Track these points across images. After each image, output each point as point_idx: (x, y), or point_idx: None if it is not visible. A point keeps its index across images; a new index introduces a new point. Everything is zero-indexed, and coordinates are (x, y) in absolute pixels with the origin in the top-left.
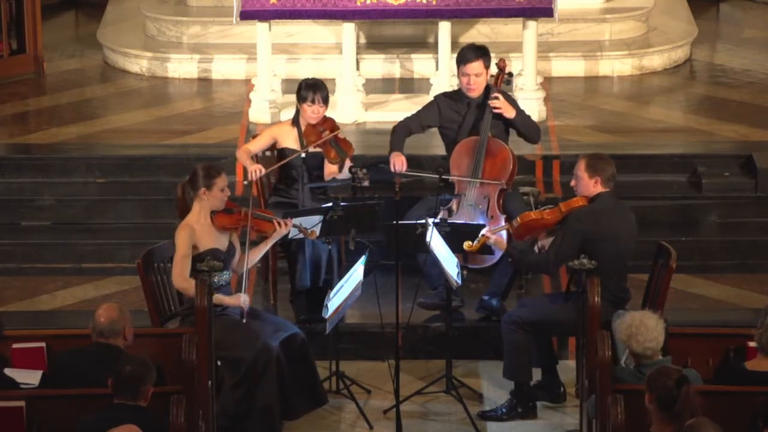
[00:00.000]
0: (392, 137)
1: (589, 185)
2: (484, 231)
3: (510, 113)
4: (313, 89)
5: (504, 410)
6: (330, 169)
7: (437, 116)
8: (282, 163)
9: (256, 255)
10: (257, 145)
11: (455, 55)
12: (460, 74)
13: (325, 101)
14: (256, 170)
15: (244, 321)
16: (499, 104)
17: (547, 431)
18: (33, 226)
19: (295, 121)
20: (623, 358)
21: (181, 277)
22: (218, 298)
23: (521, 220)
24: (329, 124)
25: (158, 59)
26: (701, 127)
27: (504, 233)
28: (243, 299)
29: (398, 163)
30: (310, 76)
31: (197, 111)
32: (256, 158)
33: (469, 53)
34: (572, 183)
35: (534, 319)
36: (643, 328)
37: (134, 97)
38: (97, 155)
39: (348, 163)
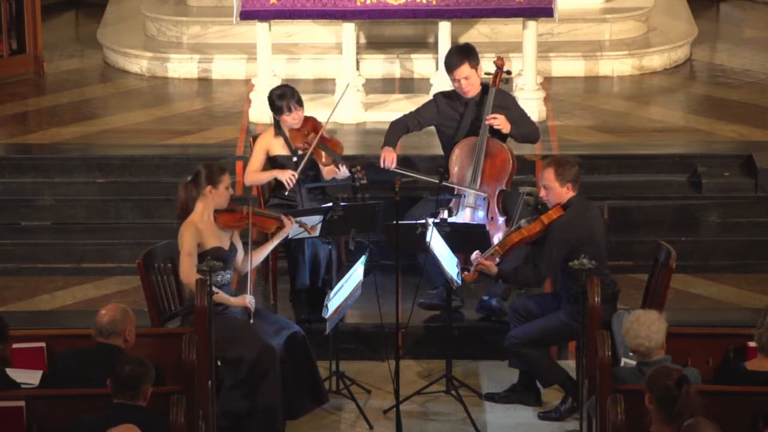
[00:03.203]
0: (387, 132)
1: (562, 193)
2: (474, 258)
3: (506, 129)
4: (285, 98)
5: (561, 407)
6: (327, 170)
7: (435, 114)
8: (301, 166)
9: (260, 254)
10: (257, 163)
11: None
12: (451, 80)
13: (300, 103)
14: (291, 177)
15: (252, 321)
16: (497, 123)
17: (548, 431)
18: (33, 226)
19: (278, 131)
20: (623, 360)
21: (190, 274)
22: (223, 297)
23: (507, 243)
24: (311, 124)
25: (158, 59)
26: (701, 127)
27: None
28: (249, 300)
29: (388, 159)
30: (280, 84)
31: (197, 111)
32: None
33: (453, 59)
34: (542, 194)
35: (532, 336)
36: (636, 325)
37: (134, 97)
38: (97, 155)
39: (342, 168)
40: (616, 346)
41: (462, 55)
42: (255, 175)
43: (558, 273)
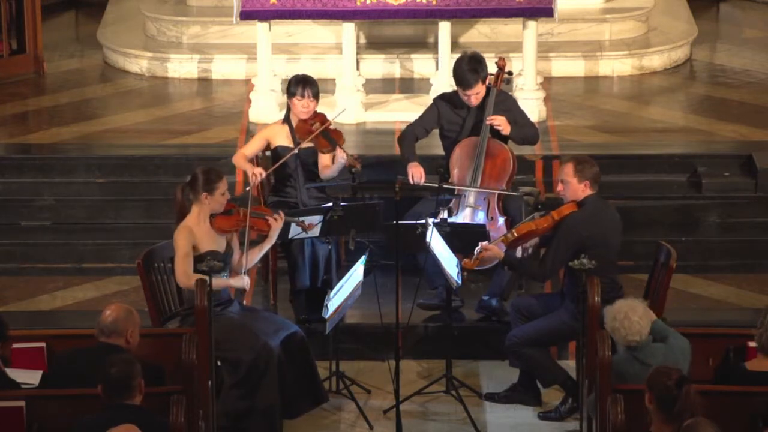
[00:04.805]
0: (402, 147)
1: (578, 190)
2: (479, 247)
3: (506, 130)
4: (302, 84)
5: (561, 408)
6: (324, 162)
7: (437, 118)
8: (281, 162)
9: (256, 255)
10: (251, 149)
11: (454, 58)
12: (460, 93)
13: (316, 96)
14: (257, 174)
15: (244, 302)
16: (498, 123)
17: (548, 431)
18: (33, 226)
19: (287, 119)
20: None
21: (185, 276)
22: (222, 282)
23: (517, 233)
24: (320, 118)
25: (158, 59)
26: (701, 127)
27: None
28: (245, 281)
29: (417, 175)
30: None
31: (197, 111)
32: (256, 160)
33: (467, 78)
34: (559, 188)
35: (532, 336)
36: (627, 322)
37: (134, 97)
38: (97, 155)
39: (340, 153)
40: (615, 345)
41: (476, 73)
42: (239, 158)
43: (564, 272)
